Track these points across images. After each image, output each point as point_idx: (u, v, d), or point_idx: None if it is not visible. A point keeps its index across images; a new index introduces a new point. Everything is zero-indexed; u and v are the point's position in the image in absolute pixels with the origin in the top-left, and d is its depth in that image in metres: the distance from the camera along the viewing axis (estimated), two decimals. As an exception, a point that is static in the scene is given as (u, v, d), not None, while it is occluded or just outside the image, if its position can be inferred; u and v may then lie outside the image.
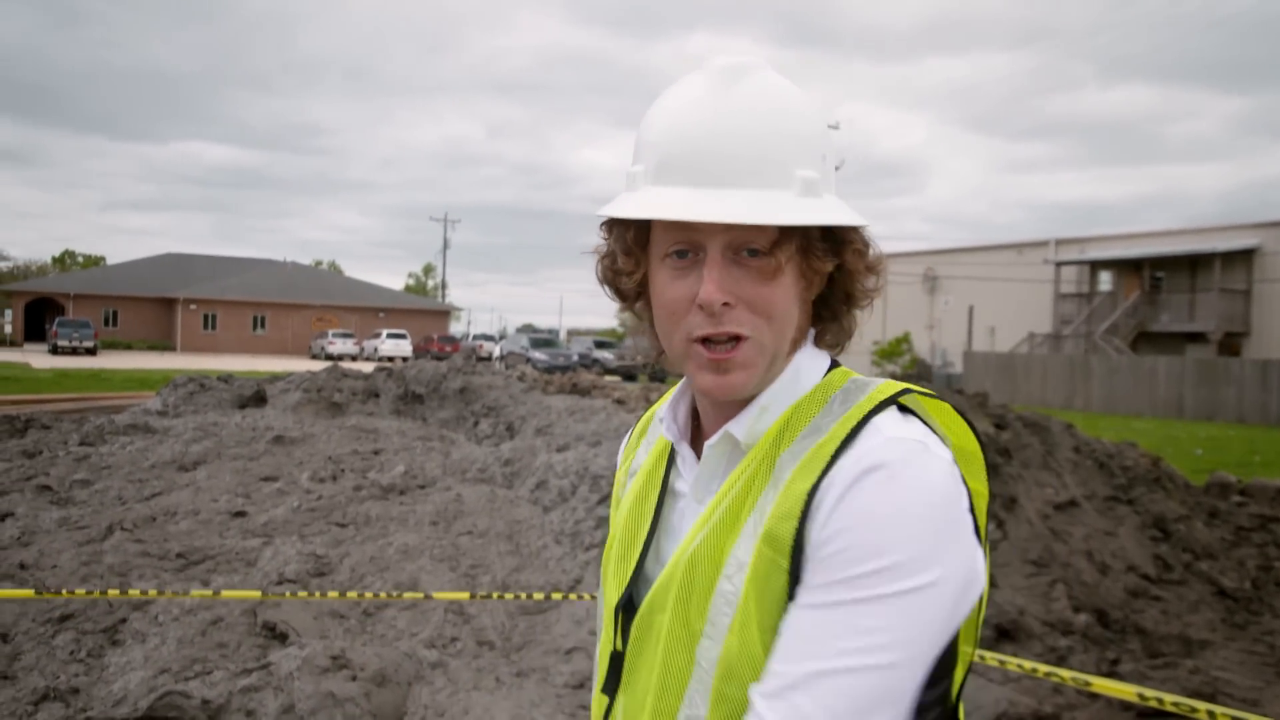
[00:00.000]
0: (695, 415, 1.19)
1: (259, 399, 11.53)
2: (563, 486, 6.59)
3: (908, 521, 0.96)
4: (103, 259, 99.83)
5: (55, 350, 46.83)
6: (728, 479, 1.09)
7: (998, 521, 6.19)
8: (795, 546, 0.99)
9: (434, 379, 11.29)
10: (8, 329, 62.06)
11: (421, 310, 68.98)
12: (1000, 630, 5.35)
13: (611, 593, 1.22)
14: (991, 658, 3.41)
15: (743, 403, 1.09)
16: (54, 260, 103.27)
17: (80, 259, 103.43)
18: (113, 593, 5.00)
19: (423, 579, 5.72)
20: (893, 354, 38.78)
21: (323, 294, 65.78)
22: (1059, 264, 39.91)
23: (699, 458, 1.14)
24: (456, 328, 76.07)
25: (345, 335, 54.64)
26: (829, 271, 1.08)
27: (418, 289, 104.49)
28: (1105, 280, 39.75)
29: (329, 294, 66.22)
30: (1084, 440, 7.12)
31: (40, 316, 60.77)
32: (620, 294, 1.17)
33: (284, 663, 4.21)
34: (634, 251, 1.11)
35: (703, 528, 1.08)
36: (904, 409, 1.07)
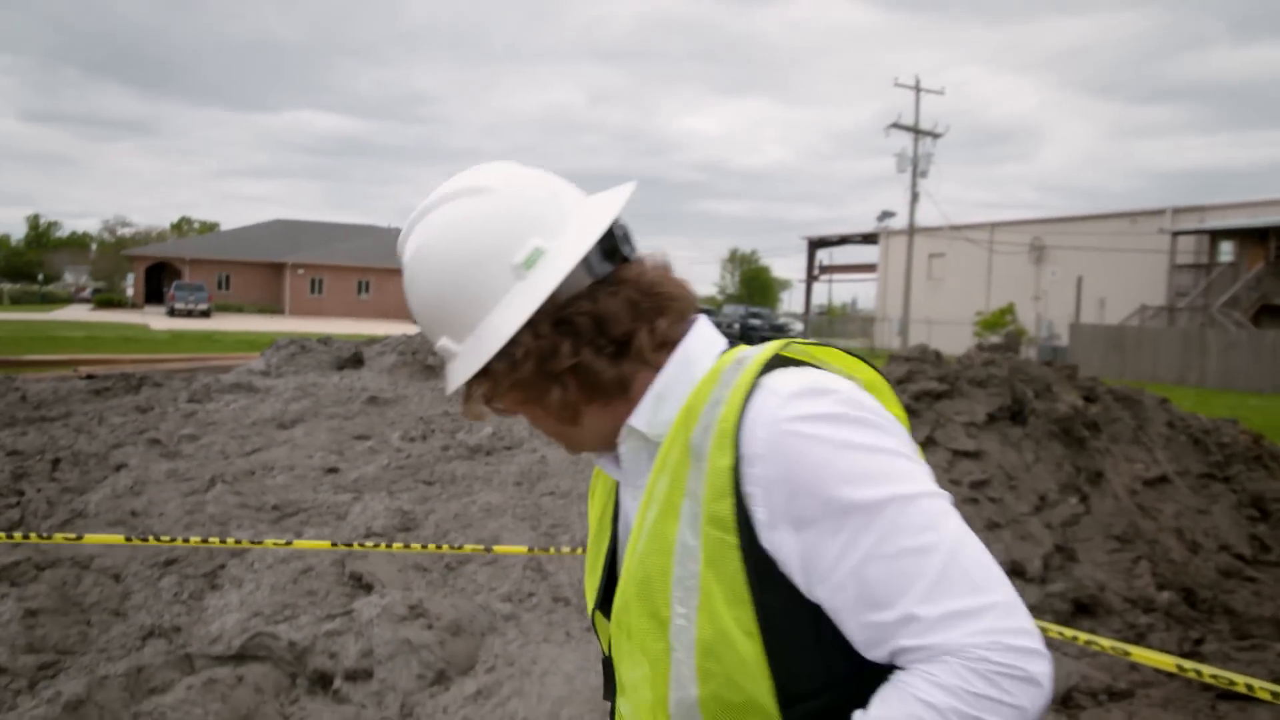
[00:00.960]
0: None
1: (356, 361, 11.95)
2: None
3: (844, 458, 1.00)
4: (217, 225, 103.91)
5: (172, 313, 48.72)
6: (651, 470, 1.12)
7: (1081, 495, 6.04)
8: (740, 521, 1.03)
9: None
10: (129, 292, 65.26)
11: (519, 277, 69.82)
12: (1078, 605, 5.25)
13: (589, 602, 1.29)
14: (1055, 630, 3.38)
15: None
16: (172, 226, 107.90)
17: (196, 225, 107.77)
18: (211, 541, 5.30)
19: (504, 536, 5.89)
20: (996, 325, 37.69)
21: (424, 260, 67.13)
22: (1175, 233, 38.08)
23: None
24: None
25: (444, 300, 55.77)
26: (567, 361, 1.11)
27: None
28: (1226, 251, 37.77)
29: (430, 260, 67.54)
30: (1178, 415, 6.87)
31: (159, 280, 63.59)
32: None
33: (365, 610, 4.43)
34: None
35: (643, 521, 1.12)
36: (792, 362, 1.10)
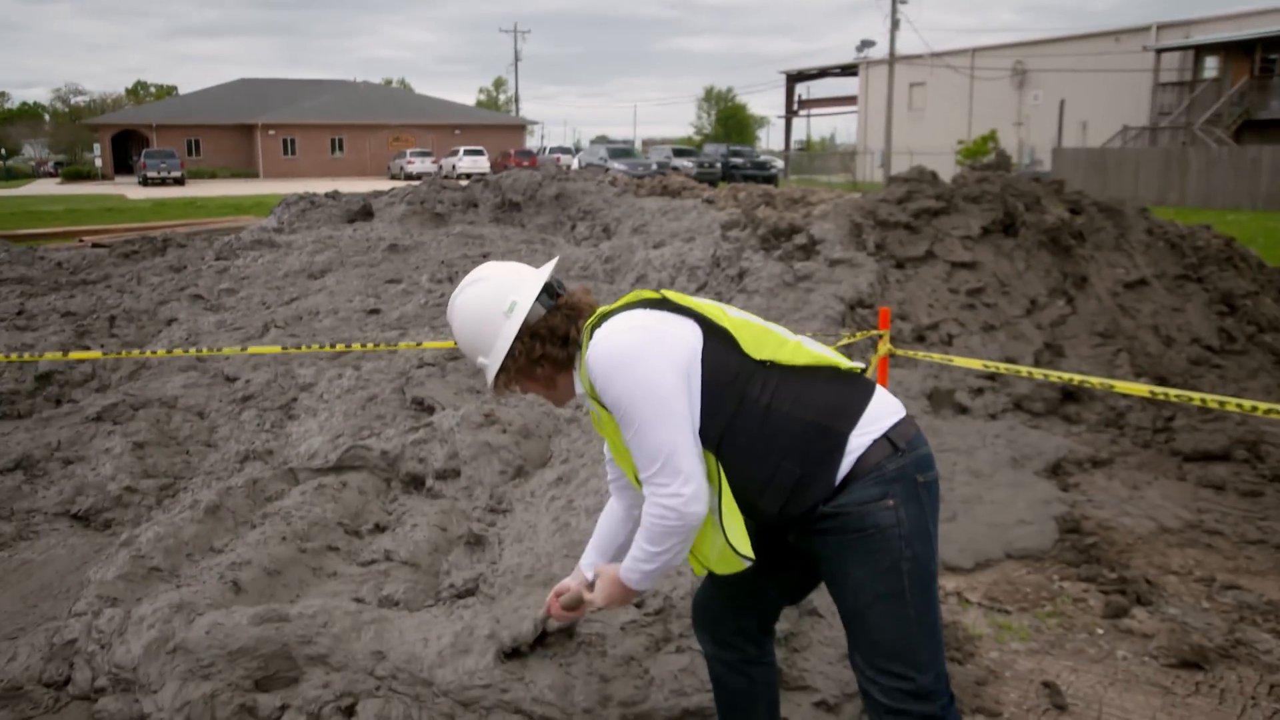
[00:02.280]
0: None
1: (366, 213, 12.26)
2: (661, 279, 7.19)
3: (615, 377, 1.95)
4: (175, 89, 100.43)
5: (145, 181, 47.53)
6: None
7: (1068, 299, 6.63)
8: (604, 406, 2.04)
9: (529, 187, 11.83)
10: (97, 163, 63.78)
11: (496, 125, 68.73)
12: (1065, 393, 5.90)
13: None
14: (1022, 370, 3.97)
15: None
16: (128, 92, 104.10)
17: (153, 90, 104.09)
18: (339, 346, 5.81)
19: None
20: (978, 153, 37.72)
21: (397, 113, 65.85)
22: (1159, 50, 37.69)
23: None
24: (531, 142, 75.73)
25: (423, 154, 55.01)
26: (539, 354, 2.12)
27: (489, 104, 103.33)
28: (1211, 67, 37.46)
29: (403, 113, 66.26)
30: (1157, 223, 7.38)
31: (125, 149, 62.09)
32: None
33: (444, 420, 5.02)
34: None
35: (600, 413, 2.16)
36: (613, 314, 2.08)
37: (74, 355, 5.60)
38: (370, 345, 5.81)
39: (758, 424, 1.97)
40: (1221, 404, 3.37)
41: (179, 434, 5.80)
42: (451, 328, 2.24)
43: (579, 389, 2.16)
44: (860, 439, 1.97)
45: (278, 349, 5.75)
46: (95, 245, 14.30)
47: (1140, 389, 3.43)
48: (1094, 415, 5.84)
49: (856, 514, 1.95)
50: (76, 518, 4.69)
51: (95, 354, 6.10)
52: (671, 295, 2.12)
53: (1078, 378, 3.86)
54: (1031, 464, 5.11)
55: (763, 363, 2.01)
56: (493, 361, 2.13)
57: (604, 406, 2.04)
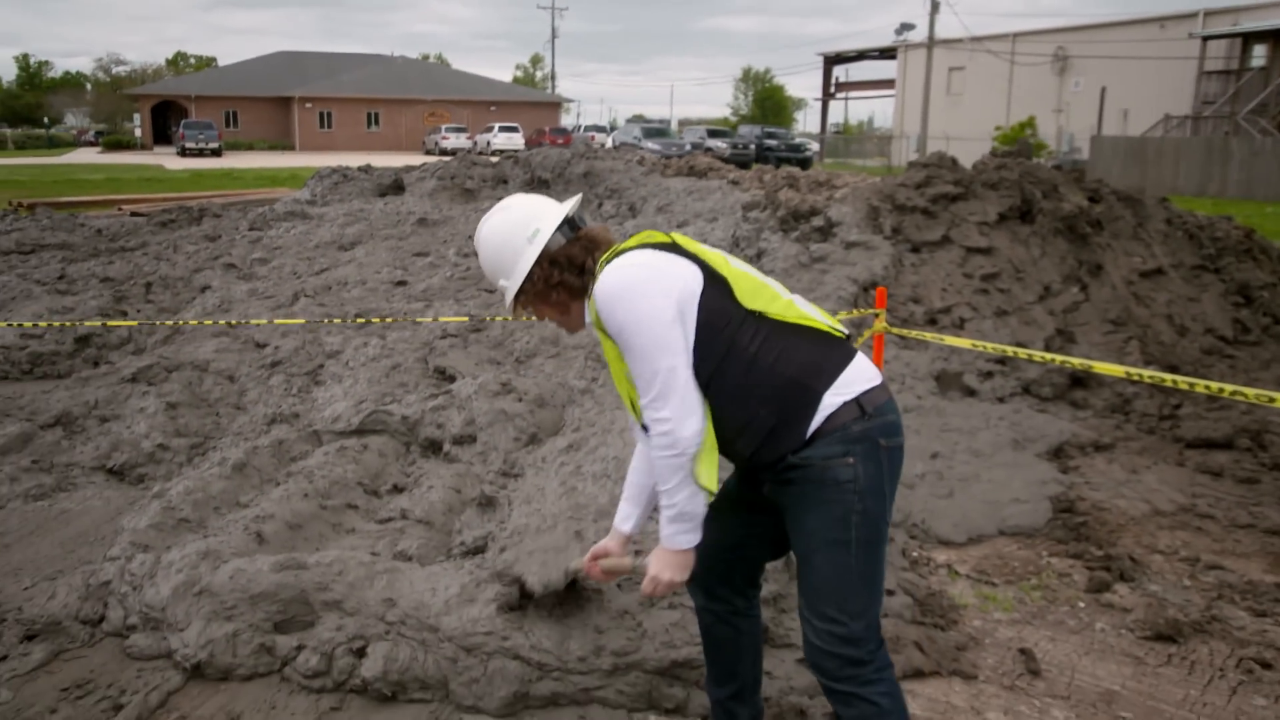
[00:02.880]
0: None
1: (397, 187, 12.48)
2: (681, 258, 7.30)
3: (618, 307, 2.12)
4: (214, 60, 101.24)
5: (183, 152, 48.14)
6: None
7: (1082, 286, 6.69)
8: (607, 335, 2.22)
9: (559, 164, 11.99)
10: (137, 133, 64.59)
11: (532, 103, 68.85)
12: (1074, 378, 5.99)
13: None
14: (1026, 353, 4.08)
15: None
16: (168, 63, 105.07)
17: (193, 60, 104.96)
18: (374, 318, 6.02)
19: (563, 334, 6.64)
20: (1015, 140, 37.35)
21: (434, 88, 66.13)
22: (1206, 38, 37.00)
23: None
24: (567, 120, 75.76)
25: (458, 129, 55.26)
26: (556, 280, 2.29)
27: (526, 81, 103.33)
28: (1259, 55, 36.71)
29: (440, 88, 66.53)
30: (1176, 213, 7.40)
31: (165, 119, 62.83)
32: None
33: (463, 388, 5.21)
34: None
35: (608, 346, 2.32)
36: (618, 254, 2.25)
37: (111, 323, 5.83)
38: (390, 318, 6.00)
39: (743, 371, 2.15)
40: (1222, 390, 3.45)
41: (210, 396, 6.04)
42: (478, 252, 2.41)
43: (588, 318, 2.31)
44: (832, 399, 2.12)
45: (302, 320, 5.95)
46: (134, 214, 14.66)
47: (1116, 370, 3.53)
48: (1101, 401, 5.92)
49: (818, 467, 2.11)
50: (112, 472, 4.93)
51: (131, 322, 6.35)
52: (680, 239, 2.28)
53: (1076, 361, 3.96)
54: (1033, 446, 5.21)
55: (754, 313, 2.18)
56: (512, 283, 2.30)
57: (607, 335, 2.21)
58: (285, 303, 7.56)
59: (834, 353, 2.20)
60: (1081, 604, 3.58)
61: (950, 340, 4.72)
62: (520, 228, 2.29)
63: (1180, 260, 7.08)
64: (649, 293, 2.11)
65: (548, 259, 2.27)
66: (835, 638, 2.16)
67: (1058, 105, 42.80)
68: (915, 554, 4.00)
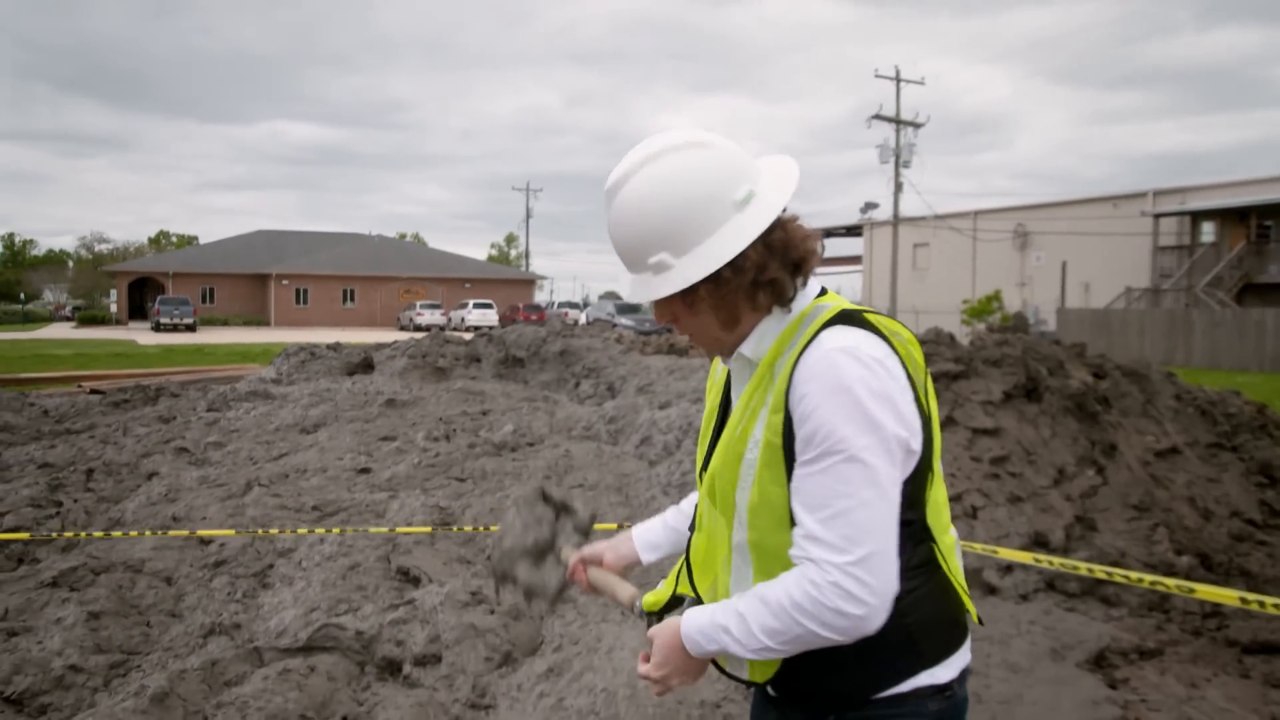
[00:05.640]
0: None
1: (367, 366, 12.07)
2: (667, 441, 6.86)
3: (842, 409, 1.43)
4: (195, 238, 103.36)
5: (158, 327, 48.43)
6: (748, 384, 1.57)
7: (1097, 468, 6.26)
8: (785, 430, 1.49)
9: (534, 343, 11.67)
10: (113, 308, 64.88)
11: (506, 280, 70.03)
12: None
13: (697, 463, 1.76)
14: (1084, 567, 3.57)
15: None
16: (150, 241, 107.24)
17: (174, 239, 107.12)
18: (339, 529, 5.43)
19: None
20: (982, 312, 38.01)
21: (409, 266, 67.26)
22: (1158, 215, 38.52)
23: None
24: (540, 296, 76.98)
25: (433, 306, 55.78)
26: (770, 276, 1.53)
27: (500, 259, 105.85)
28: (1208, 231, 38.20)
29: (415, 266, 67.68)
30: (1184, 388, 7.10)
31: (141, 295, 63.26)
32: None
33: (427, 598, 4.59)
34: None
35: (738, 417, 1.58)
36: (853, 322, 1.52)
37: (9, 536, 5.22)
38: (348, 526, 5.43)
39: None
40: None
41: (141, 602, 5.35)
42: (621, 202, 1.53)
43: (748, 351, 1.58)
44: (928, 677, 1.60)
45: (232, 532, 5.37)
46: (93, 391, 14.11)
47: (1229, 595, 3.02)
48: (1135, 597, 5.37)
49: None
50: (9, 700, 4.20)
51: (23, 535, 5.72)
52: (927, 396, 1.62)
53: (1134, 575, 3.45)
54: (1072, 654, 4.62)
55: (927, 529, 1.61)
56: (695, 265, 1.49)
57: (780, 404, 1.49)
58: (237, 492, 6.95)
59: (958, 629, 1.67)
60: None
61: (1006, 553, 4.20)
62: (727, 182, 1.50)
63: (1195, 438, 6.70)
64: (883, 421, 1.44)
65: (764, 240, 1.50)
66: None
67: (1021, 278, 43.98)
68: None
